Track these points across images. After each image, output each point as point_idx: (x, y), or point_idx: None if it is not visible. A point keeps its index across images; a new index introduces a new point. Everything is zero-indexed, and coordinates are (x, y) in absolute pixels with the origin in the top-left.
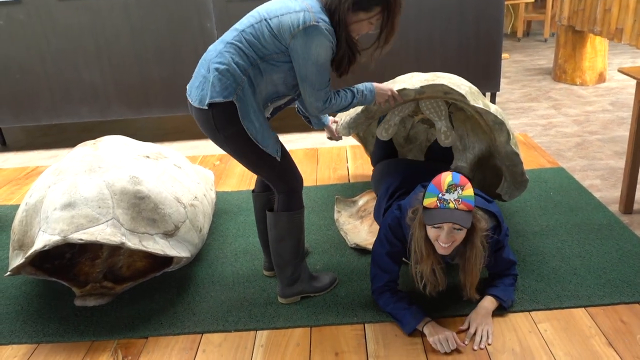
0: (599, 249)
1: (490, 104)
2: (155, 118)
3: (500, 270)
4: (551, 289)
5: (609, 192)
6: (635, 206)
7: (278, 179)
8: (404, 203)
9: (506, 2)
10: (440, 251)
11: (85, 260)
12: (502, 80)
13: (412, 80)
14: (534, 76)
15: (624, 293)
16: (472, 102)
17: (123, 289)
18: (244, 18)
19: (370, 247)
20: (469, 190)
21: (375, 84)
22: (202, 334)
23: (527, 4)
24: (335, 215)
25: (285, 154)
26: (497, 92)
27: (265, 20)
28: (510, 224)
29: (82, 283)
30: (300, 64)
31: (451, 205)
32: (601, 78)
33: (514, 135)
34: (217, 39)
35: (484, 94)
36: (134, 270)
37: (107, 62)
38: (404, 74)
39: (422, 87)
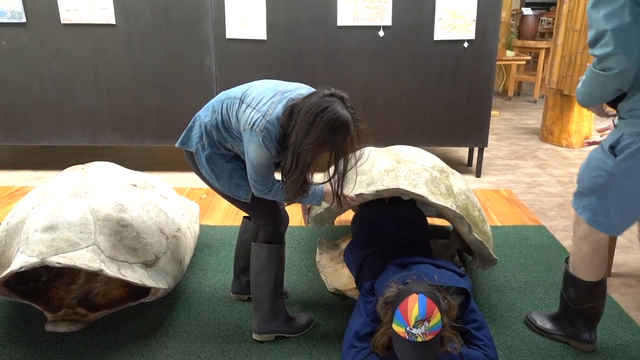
0: None
1: (455, 183)
2: (147, 147)
3: (473, 342)
4: (525, 346)
5: None
6: (613, 269)
7: (254, 214)
8: (377, 287)
9: (499, 62)
10: None
11: (61, 285)
12: (490, 136)
13: (372, 173)
14: (522, 135)
15: (597, 354)
16: (431, 199)
17: (97, 316)
18: (240, 86)
19: (350, 293)
20: (435, 319)
21: (326, 189)
22: None
23: (518, 65)
24: (317, 258)
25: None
26: (485, 148)
27: (241, 101)
28: (489, 278)
29: (55, 308)
30: (245, 153)
31: (419, 339)
32: None
33: (482, 212)
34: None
35: (472, 150)
36: (109, 298)
37: (104, 90)
38: (396, 123)
39: (378, 191)
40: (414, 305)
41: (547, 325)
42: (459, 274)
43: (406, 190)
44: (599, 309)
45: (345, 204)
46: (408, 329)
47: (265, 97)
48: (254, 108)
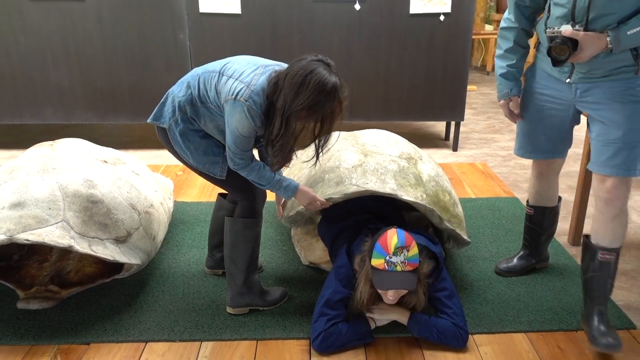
0: (543, 277)
1: (424, 170)
2: (122, 125)
3: (442, 309)
4: (495, 313)
5: (560, 224)
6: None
7: (231, 190)
8: (354, 247)
9: (477, 37)
10: (387, 302)
11: (33, 263)
12: (468, 110)
13: (339, 171)
14: (498, 109)
15: (563, 321)
16: (401, 195)
17: (69, 293)
18: (217, 61)
19: (324, 265)
20: (413, 250)
21: (301, 187)
22: (146, 342)
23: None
24: (292, 231)
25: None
26: (462, 122)
27: (220, 73)
28: (461, 249)
29: (27, 286)
30: (226, 125)
31: (398, 268)
32: None
33: (452, 195)
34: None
35: (449, 124)
36: (82, 275)
37: (75, 65)
38: (372, 98)
39: (346, 194)
40: (393, 235)
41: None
42: (432, 241)
43: (375, 191)
44: None
45: (317, 207)
46: (387, 257)
47: (248, 69)
48: (236, 79)
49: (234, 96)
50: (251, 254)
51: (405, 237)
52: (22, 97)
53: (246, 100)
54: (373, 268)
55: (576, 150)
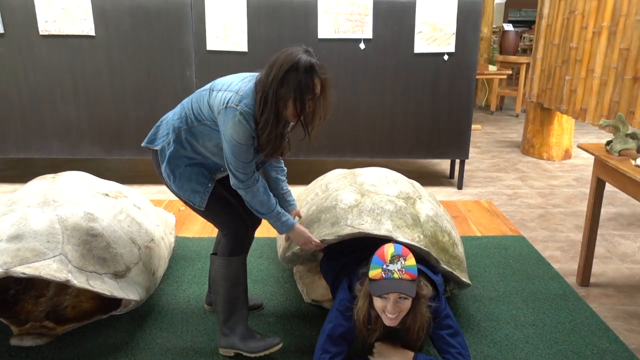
0: (552, 319)
1: (422, 210)
2: (126, 160)
3: (446, 349)
4: (502, 355)
5: (567, 264)
6: (592, 279)
7: (212, 222)
8: (353, 278)
9: (481, 77)
10: (387, 323)
11: (29, 298)
12: (473, 149)
13: (336, 211)
14: (503, 148)
15: None
16: (397, 238)
17: (65, 330)
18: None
19: (327, 304)
20: (411, 260)
21: (297, 226)
22: None
23: (500, 79)
24: (295, 269)
25: (217, 203)
26: (467, 160)
27: (211, 90)
28: (468, 288)
29: (22, 321)
30: (222, 138)
31: (396, 275)
32: (567, 154)
33: (452, 235)
34: (196, 87)
35: (454, 162)
36: (79, 311)
37: (83, 101)
38: (378, 134)
39: (340, 236)
40: (389, 246)
41: None
42: (433, 272)
43: (368, 233)
44: None
45: (312, 247)
46: (384, 266)
47: (235, 80)
48: (225, 90)
49: (225, 105)
50: (229, 294)
51: (403, 248)
52: (29, 131)
53: (237, 105)
54: (371, 280)
55: (582, 189)
